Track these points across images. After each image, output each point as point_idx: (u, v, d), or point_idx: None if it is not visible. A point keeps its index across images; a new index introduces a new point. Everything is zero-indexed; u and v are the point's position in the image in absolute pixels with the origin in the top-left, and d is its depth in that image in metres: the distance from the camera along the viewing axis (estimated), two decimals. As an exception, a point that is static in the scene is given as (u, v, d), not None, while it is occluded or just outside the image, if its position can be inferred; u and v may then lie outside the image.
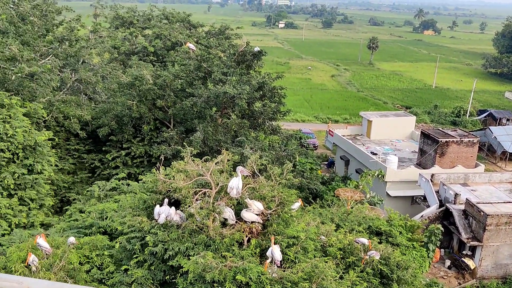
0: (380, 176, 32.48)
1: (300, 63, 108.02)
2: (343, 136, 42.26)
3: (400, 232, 20.11)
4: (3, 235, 18.39)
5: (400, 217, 23.34)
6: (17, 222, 20.40)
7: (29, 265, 9.60)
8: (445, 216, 28.47)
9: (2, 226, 19.74)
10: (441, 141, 33.48)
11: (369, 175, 31.55)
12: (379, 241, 15.85)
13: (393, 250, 13.93)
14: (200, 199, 9.73)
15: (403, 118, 43.85)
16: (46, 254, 10.26)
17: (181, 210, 9.87)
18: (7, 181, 21.07)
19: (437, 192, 30.06)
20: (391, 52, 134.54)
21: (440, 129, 38.72)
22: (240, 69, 29.05)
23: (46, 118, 26.10)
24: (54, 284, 1.41)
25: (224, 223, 9.77)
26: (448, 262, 27.69)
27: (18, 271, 9.30)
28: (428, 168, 33.70)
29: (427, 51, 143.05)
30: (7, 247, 13.17)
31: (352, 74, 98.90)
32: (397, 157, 35.23)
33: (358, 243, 13.14)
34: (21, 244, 10.97)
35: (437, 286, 23.88)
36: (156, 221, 9.82)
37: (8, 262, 10.09)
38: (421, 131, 36.33)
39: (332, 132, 44.63)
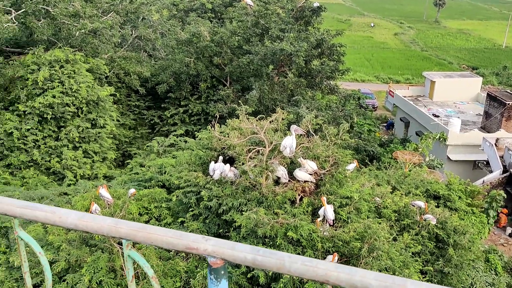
0: (441, 139, 31.41)
1: (362, 20, 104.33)
2: (404, 97, 40.94)
3: (460, 197, 19.49)
4: (69, 185, 19.48)
5: (460, 182, 22.56)
6: (81, 174, 21.51)
7: (92, 213, 10.12)
8: (509, 182, 27.29)
9: (68, 177, 20.88)
10: (508, 103, 31.72)
11: (430, 137, 30.57)
12: (436, 205, 15.47)
13: (451, 215, 13.57)
14: (253, 157, 9.79)
15: (469, 79, 41.78)
16: (108, 204, 10.75)
17: (235, 167, 9.99)
18: (72, 134, 22.10)
19: (501, 157, 28.75)
20: (459, 9, 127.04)
21: (508, 91, 36.63)
22: (298, 25, 28.45)
23: (108, 74, 26.89)
24: (85, 215, 1.44)
25: (277, 181, 9.82)
26: (509, 230, 26.73)
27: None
28: (493, 132, 32.17)
29: (498, 9, 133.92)
30: (73, 197, 13.95)
31: (416, 33, 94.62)
32: (460, 119, 33.84)
33: (414, 206, 12.87)
34: (85, 194, 11.55)
35: (496, 253, 23.19)
36: (211, 177, 10.01)
37: (73, 210, 10.67)
38: (487, 93, 34.54)
39: (393, 92, 43.30)
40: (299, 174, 9.71)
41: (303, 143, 10.16)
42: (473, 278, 14.35)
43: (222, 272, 1.40)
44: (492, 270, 20.51)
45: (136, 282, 8.07)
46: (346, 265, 5.76)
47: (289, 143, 9.49)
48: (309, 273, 1.25)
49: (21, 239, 1.67)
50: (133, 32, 30.73)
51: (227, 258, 1.32)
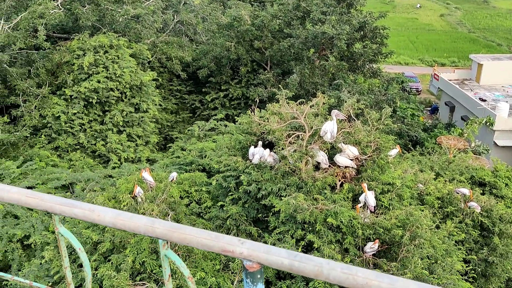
0: (488, 124, 30.38)
1: (406, 2, 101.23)
2: (450, 80, 39.73)
3: (506, 184, 18.83)
4: (113, 168, 20.02)
5: (508, 168, 21.79)
6: (125, 157, 22.05)
7: (135, 196, 10.37)
8: (561, 169, 26.14)
9: (112, 160, 21.46)
10: (562, 87, 30.29)
11: (476, 122, 29.60)
12: (482, 192, 15.02)
13: (497, 203, 13.14)
14: (293, 142, 9.75)
15: (519, 62, 40.08)
16: (150, 187, 10.98)
17: (275, 152, 9.98)
18: (117, 119, 22.64)
19: (553, 143, 27.58)
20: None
21: None
22: (340, 8, 27.95)
23: (151, 59, 27.29)
24: (122, 214, 1.46)
25: (316, 167, 9.75)
26: (560, 219, 25.70)
27: (125, 201, 10.09)
28: (545, 116, 30.86)
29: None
30: (117, 179, 14.33)
31: (463, 14, 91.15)
32: (508, 104, 32.58)
33: (459, 193, 12.54)
34: (129, 177, 11.82)
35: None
36: (251, 162, 10.04)
37: (117, 192, 10.98)
38: (540, 76, 33.06)
39: (438, 76, 42.07)
40: (340, 159, 9.60)
41: (344, 128, 10.03)
42: (519, 268, 13.90)
43: (259, 276, 1.38)
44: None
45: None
46: (387, 253, 5.66)
47: (329, 128, 9.38)
48: (348, 281, 1.21)
49: (61, 235, 1.71)
50: (175, 17, 30.99)
51: (263, 262, 1.30)
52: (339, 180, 9.69)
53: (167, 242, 1.46)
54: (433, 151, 21.26)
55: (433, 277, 8.46)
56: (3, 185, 1.63)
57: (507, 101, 33.93)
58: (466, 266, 10.69)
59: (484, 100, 34.51)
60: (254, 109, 11.10)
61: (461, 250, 10.72)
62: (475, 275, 11.29)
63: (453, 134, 30.32)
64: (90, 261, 9.16)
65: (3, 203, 13.44)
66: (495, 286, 12.18)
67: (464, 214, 12.14)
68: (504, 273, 12.15)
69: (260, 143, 10.04)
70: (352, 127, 10.25)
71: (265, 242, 9.18)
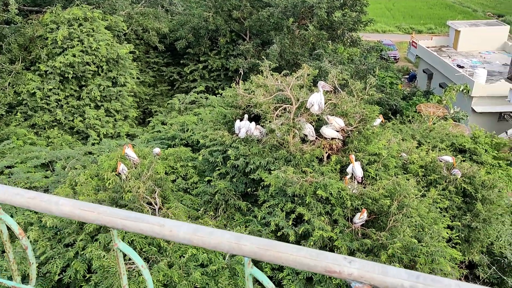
0: (465, 90, 30.71)
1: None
2: (427, 47, 39.87)
3: (486, 150, 19.15)
4: (93, 144, 19.65)
5: (486, 134, 22.14)
6: (104, 132, 21.65)
7: (119, 173, 10.17)
8: (536, 134, 26.73)
9: (92, 136, 21.06)
10: (538, 52, 30.68)
11: (454, 89, 29.88)
12: (463, 159, 15.24)
13: (478, 169, 13.34)
14: (280, 115, 9.63)
15: (495, 28, 40.34)
16: (134, 164, 10.78)
17: (261, 125, 9.86)
18: (94, 93, 22.13)
19: (529, 108, 28.09)
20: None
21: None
22: (319, -24, 27.52)
23: (126, 31, 26.59)
24: (199, 229, 1.31)
25: (303, 139, 9.68)
26: (534, 182, 26.38)
27: (110, 179, 9.89)
28: (521, 82, 31.31)
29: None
30: (98, 156, 14.05)
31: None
32: (486, 70, 32.92)
33: (442, 161, 12.67)
34: (111, 154, 11.57)
35: (521, 206, 22.94)
36: (237, 135, 9.91)
37: (99, 170, 10.76)
38: (516, 42, 33.38)
39: (416, 43, 42.16)
40: (326, 131, 9.54)
41: (330, 100, 9.94)
42: (498, 231, 14.24)
43: None
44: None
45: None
46: (375, 223, 5.61)
47: (317, 100, 9.28)
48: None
49: (120, 250, 1.56)
50: (150, -14, 30.17)
51: (377, 284, 1.15)
52: (326, 152, 9.66)
53: (251, 260, 1.31)
54: (413, 119, 21.43)
55: (421, 245, 8.56)
56: (52, 196, 1.48)
57: (485, 67, 34.28)
58: (451, 233, 10.88)
59: (462, 67, 34.80)
60: (238, 81, 10.91)
61: (446, 217, 10.88)
62: (459, 241, 11.51)
63: (432, 101, 30.62)
64: (77, 241, 9.02)
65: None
66: (477, 251, 12.47)
67: (447, 181, 12.30)
68: (486, 238, 12.43)
69: (246, 116, 9.90)
70: (338, 98, 10.17)
71: (255, 216, 9.16)
